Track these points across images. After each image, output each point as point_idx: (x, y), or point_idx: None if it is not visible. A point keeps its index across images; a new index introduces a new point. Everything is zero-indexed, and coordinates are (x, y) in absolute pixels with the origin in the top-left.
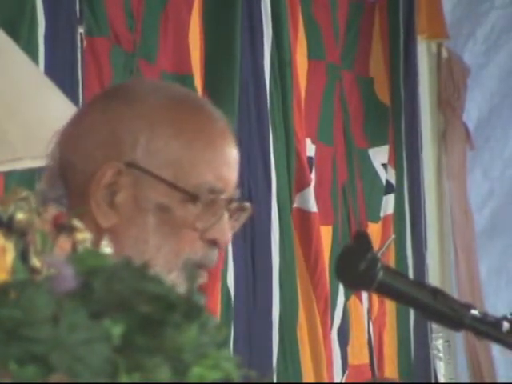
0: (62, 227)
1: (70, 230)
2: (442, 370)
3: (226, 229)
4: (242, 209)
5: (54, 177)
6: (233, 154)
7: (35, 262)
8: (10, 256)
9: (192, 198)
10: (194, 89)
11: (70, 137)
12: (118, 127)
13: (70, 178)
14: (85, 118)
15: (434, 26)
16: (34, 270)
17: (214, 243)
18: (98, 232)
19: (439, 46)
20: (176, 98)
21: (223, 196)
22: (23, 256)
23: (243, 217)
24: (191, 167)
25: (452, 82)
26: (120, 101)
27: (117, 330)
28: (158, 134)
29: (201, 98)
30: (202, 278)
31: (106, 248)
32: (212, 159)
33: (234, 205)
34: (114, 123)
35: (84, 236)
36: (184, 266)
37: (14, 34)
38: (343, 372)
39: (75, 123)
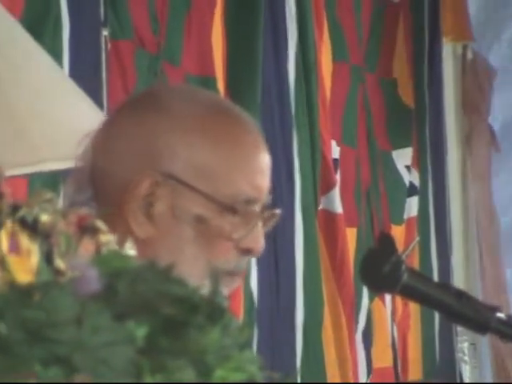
0: (85, 229)
1: (94, 231)
2: (467, 373)
3: (260, 237)
4: (273, 216)
5: (82, 180)
6: (266, 161)
7: (59, 263)
8: (35, 258)
9: (229, 209)
10: (216, 91)
11: (104, 145)
12: (155, 139)
13: (102, 185)
14: (119, 128)
15: (459, 28)
16: (57, 272)
17: (247, 252)
18: (134, 242)
19: (464, 48)
20: (210, 108)
21: (258, 205)
22: (47, 258)
23: (272, 222)
24: (227, 178)
25: (477, 83)
26: (154, 112)
27: (140, 332)
28: (195, 145)
29: (234, 105)
30: (235, 285)
31: (130, 250)
32: (247, 169)
33: (267, 213)
34: (150, 135)
35: (108, 238)
36: (208, 270)
37: (38, 36)
38: (368, 375)
39: (109, 132)
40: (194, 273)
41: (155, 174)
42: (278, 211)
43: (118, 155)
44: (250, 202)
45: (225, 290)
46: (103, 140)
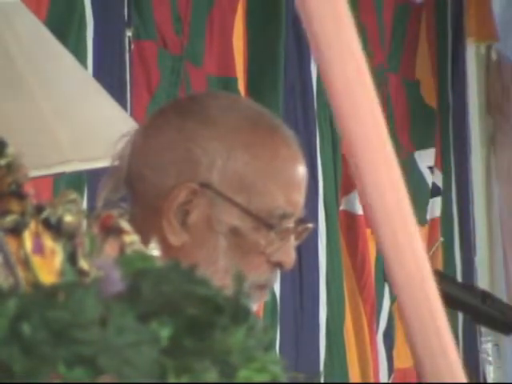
0: (110, 229)
1: (118, 232)
2: (491, 374)
3: (292, 251)
4: (306, 230)
5: (119, 180)
6: (303, 175)
7: (83, 264)
8: (59, 258)
9: (265, 224)
10: (237, 92)
11: (143, 149)
12: (195, 147)
13: (137, 188)
14: (159, 133)
15: (483, 28)
16: (82, 273)
17: (279, 265)
18: (167, 249)
19: (488, 49)
20: (252, 120)
21: (292, 219)
22: (71, 258)
23: (305, 235)
24: (265, 192)
25: (501, 84)
26: (196, 120)
27: (165, 333)
28: (235, 157)
29: (274, 117)
30: (264, 299)
31: (154, 250)
32: (285, 184)
33: (301, 227)
34: (191, 143)
35: (132, 238)
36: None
37: (63, 37)
38: (389, 375)
39: (148, 136)
40: (225, 284)
41: (193, 184)
42: (310, 226)
43: (156, 160)
44: (285, 216)
45: (254, 305)
46: (142, 142)
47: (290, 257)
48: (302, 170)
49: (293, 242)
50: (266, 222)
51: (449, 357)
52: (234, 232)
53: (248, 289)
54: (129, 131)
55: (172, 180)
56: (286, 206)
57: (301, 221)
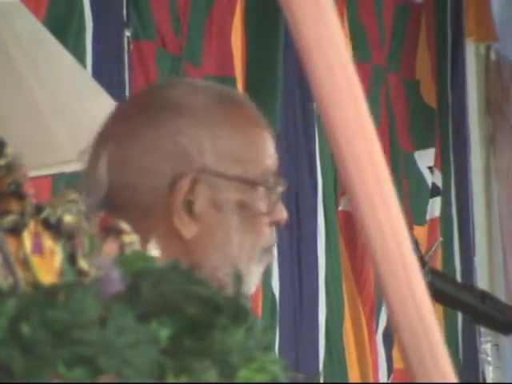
0: (109, 230)
1: (118, 232)
2: (490, 374)
3: (283, 207)
4: (283, 184)
5: (97, 200)
6: (271, 135)
7: (83, 264)
8: (58, 258)
9: (263, 187)
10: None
11: (123, 160)
12: (179, 139)
13: (127, 200)
14: (135, 138)
15: (482, 28)
16: (81, 273)
17: (277, 224)
18: (181, 244)
19: (487, 48)
20: (218, 98)
21: (280, 178)
22: (71, 258)
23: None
24: (254, 158)
25: (501, 84)
26: (168, 113)
27: (164, 333)
28: (219, 135)
29: (232, 90)
30: (271, 260)
31: (154, 251)
32: (265, 145)
33: (281, 182)
34: (173, 136)
35: (131, 238)
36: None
37: (62, 37)
38: (388, 375)
39: (124, 145)
40: (242, 259)
41: (191, 173)
42: (283, 179)
43: (143, 164)
44: (274, 174)
45: (262, 269)
46: (119, 153)
47: (284, 213)
48: (268, 130)
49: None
50: (265, 186)
51: (436, 355)
52: (241, 205)
53: (258, 255)
54: (89, 145)
55: (167, 177)
56: (272, 165)
57: (277, 175)
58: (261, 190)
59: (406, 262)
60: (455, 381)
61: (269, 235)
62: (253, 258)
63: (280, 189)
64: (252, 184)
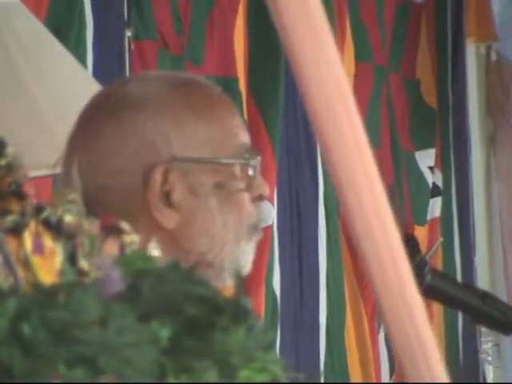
0: (109, 230)
1: (118, 232)
2: (490, 374)
3: (264, 181)
4: (257, 158)
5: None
6: (239, 115)
7: (83, 264)
8: (59, 258)
9: (238, 164)
10: (238, 92)
11: (92, 163)
12: (144, 132)
13: (107, 201)
14: (100, 141)
15: (483, 28)
16: (82, 273)
17: (259, 199)
18: (165, 236)
19: (488, 48)
20: (175, 85)
21: (254, 153)
22: (71, 258)
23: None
24: (224, 137)
25: (501, 84)
26: (127, 109)
27: (165, 333)
28: (182, 121)
29: (187, 75)
30: (261, 236)
31: (154, 250)
32: (232, 122)
33: (256, 155)
34: (138, 131)
35: (132, 238)
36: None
37: (63, 38)
38: (390, 375)
39: (90, 149)
40: (228, 238)
41: (160, 164)
42: (258, 154)
43: (113, 164)
44: (248, 149)
45: (253, 246)
46: (87, 157)
47: (265, 186)
48: (233, 107)
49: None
50: (239, 162)
51: (428, 355)
52: (218, 186)
53: (246, 233)
54: (68, 158)
55: (138, 173)
56: (245, 141)
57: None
58: (236, 167)
59: (394, 256)
60: (447, 381)
61: (253, 211)
62: (240, 236)
63: (256, 163)
64: (225, 163)
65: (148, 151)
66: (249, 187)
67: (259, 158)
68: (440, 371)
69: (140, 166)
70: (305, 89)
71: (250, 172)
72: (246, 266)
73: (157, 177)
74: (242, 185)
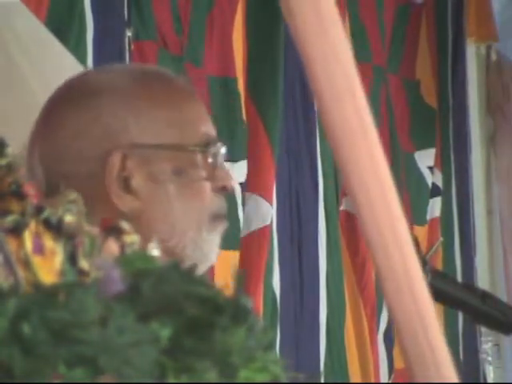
0: (110, 230)
1: (118, 232)
2: (490, 374)
3: (229, 174)
4: (223, 151)
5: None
6: (203, 106)
7: (83, 264)
8: (59, 258)
9: (198, 152)
10: (237, 92)
11: (53, 152)
12: (103, 119)
13: (66, 188)
14: (61, 128)
15: (483, 28)
16: (82, 273)
17: (223, 190)
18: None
19: (488, 48)
20: (139, 75)
21: (218, 143)
22: (71, 258)
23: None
24: (185, 126)
25: (501, 84)
26: (89, 97)
27: (165, 333)
28: (143, 109)
29: (153, 67)
30: (224, 227)
31: (154, 250)
32: (198, 113)
33: (223, 149)
34: (97, 118)
35: (132, 238)
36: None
37: (63, 37)
38: (389, 375)
39: (50, 137)
40: (189, 226)
41: (119, 150)
42: (224, 147)
43: (73, 152)
44: (211, 140)
45: (217, 235)
46: (48, 147)
47: (230, 178)
48: (197, 98)
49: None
50: (201, 151)
51: (436, 351)
52: (178, 172)
53: (207, 222)
54: (31, 150)
55: (97, 160)
56: (208, 131)
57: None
58: (197, 155)
59: (405, 259)
60: (454, 376)
61: (216, 201)
62: (202, 224)
63: (216, 150)
64: (186, 150)
65: (107, 138)
66: (210, 177)
67: (224, 148)
68: (450, 372)
69: (99, 152)
70: (315, 86)
71: (210, 160)
72: (211, 256)
73: (114, 162)
74: (203, 173)
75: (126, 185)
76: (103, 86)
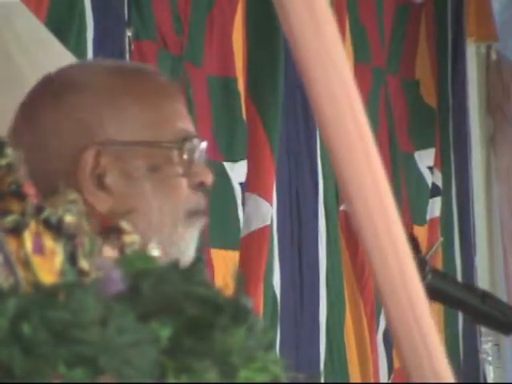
0: (110, 230)
1: (118, 232)
2: (490, 374)
3: (207, 169)
4: (203, 145)
5: None
6: (182, 103)
7: (83, 264)
8: (59, 258)
9: (174, 149)
10: (237, 92)
11: (29, 149)
12: (78, 114)
13: (42, 185)
14: (37, 125)
15: (483, 28)
16: (82, 273)
17: (200, 186)
18: (101, 219)
19: (488, 48)
20: (117, 71)
21: (195, 139)
22: (72, 258)
23: (204, 152)
24: (161, 123)
25: (501, 84)
26: (66, 93)
27: (165, 333)
28: (120, 105)
29: (133, 63)
30: (202, 224)
31: (154, 250)
32: (175, 109)
33: (202, 145)
34: (74, 113)
35: (132, 238)
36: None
37: (63, 37)
38: (389, 375)
39: (27, 134)
40: (165, 222)
41: (92, 147)
42: (205, 141)
43: (52, 149)
44: (188, 137)
45: (194, 231)
46: (26, 146)
47: (207, 174)
48: (179, 93)
49: (202, 160)
50: (173, 147)
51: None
52: (153, 169)
53: (183, 218)
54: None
55: (72, 157)
56: (185, 128)
57: (194, 138)
58: (173, 152)
59: (400, 261)
60: (452, 381)
61: (192, 197)
62: (177, 220)
63: (191, 147)
64: (161, 147)
65: (82, 134)
66: (187, 173)
67: (204, 143)
68: (445, 371)
69: (74, 149)
70: (310, 88)
71: (185, 156)
72: (187, 252)
73: (88, 159)
74: (179, 170)
75: (99, 182)
76: (82, 82)
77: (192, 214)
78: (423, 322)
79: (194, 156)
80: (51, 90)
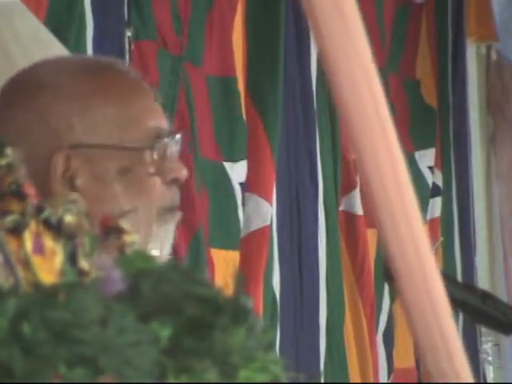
0: (110, 230)
1: (118, 232)
2: (490, 374)
3: (181, 164)
4: (180, 140)
5: None
6: (153, 94)
7: (83, 264)
8: (59, 258)
9: (145, 149)
10: (237, 92)
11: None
12: (50, 118)
13: None
14: (9, 126)
15: (483, 28)
16: (82, 273)
17: (174, 182)
18: None
19: (488, 48)
20: (87, 71)
21: (168, 135)
22: (72, 258)
23: (180, 147)
24: (132, 123)
25: (501, 84)
26: (37, 94)
27: (165, 333)
28: (89, 107)
29: (103, 58)
30: (178, 219)
31: (154, 250)
32: (146, 107)
33: (174, 139)
34: (43, 117)
35: (132, 238)
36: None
37: (62, 37)
38: (389, 375)
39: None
40: (140, 222)
41: (63, 150)
42: (180, 134)
43: (23, 153)
44: (160, 135)
45: (169, 228)
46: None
47: (181, 170)
48: (150, 89)
49: (176, 155)
50: (144, 147)
51: (452, 354)
52: (123, 172)
53: (156, 217)
54: None
55: (42, 160)
56: (157, 126)
57: (170, 134)
58: (144, 152)
59: (422, 260)
60: (471, 381)
61: (165, 194)
62: (151, 219)
63: (169, 146)
64: (132, 148)
65: (51, 137)
66: (159, 171)
67: (178, 136)
68: (464, 370)
69: (44, 152)
70: (333, 79)
71: (155, 156)
72: (163, 249)
73: (58, 162)
74: (151, 169)
75: (71, 185)
76: (52, 84)
77: (165, 212)
78: (439, 306)
79: (167, 153)
80: (21, 90)
